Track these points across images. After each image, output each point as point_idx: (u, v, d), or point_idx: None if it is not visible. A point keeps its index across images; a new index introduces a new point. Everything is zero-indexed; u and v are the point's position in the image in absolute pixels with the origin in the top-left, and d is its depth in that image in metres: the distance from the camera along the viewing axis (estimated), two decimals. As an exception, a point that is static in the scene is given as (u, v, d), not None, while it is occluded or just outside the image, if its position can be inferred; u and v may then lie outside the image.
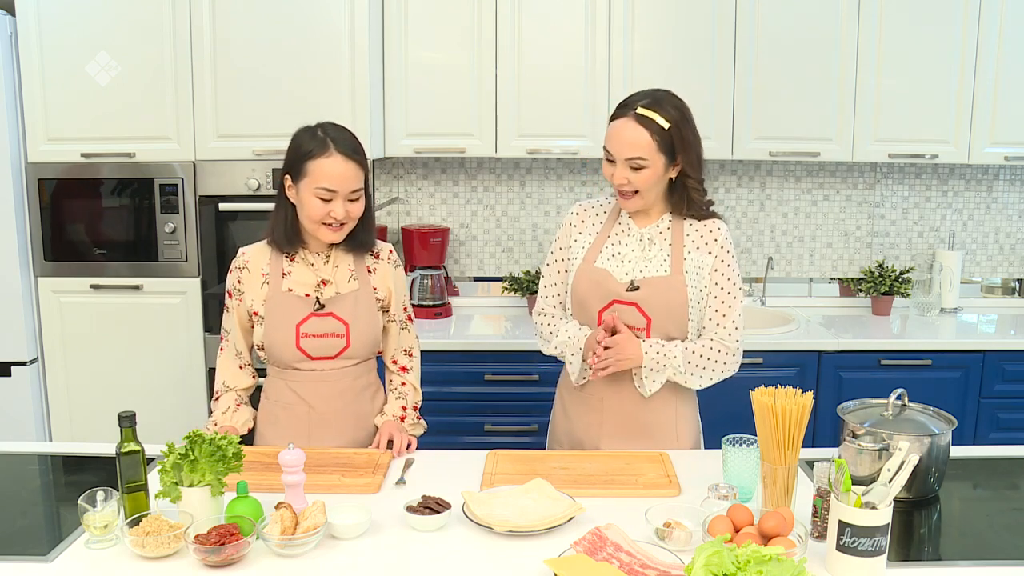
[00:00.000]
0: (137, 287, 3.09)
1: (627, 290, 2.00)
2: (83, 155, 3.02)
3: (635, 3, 3.17)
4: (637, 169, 1.92)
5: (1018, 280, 3.74)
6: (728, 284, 2.01)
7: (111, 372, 3.13)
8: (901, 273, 3.55)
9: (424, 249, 3.47)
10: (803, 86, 3.22)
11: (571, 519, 1.64)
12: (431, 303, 3.46)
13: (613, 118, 1.96)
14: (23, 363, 3.09)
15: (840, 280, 3.71)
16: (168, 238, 3.06)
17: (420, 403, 2.21)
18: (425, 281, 3.47)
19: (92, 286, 3.09)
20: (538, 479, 1.77)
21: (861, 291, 3.63)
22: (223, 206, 3.04)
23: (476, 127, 3.24)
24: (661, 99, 1.93)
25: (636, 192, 1.96)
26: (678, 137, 1.92)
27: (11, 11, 2.96)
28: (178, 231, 3.05)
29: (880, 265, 3.58)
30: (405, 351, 2.21)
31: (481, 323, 3.43)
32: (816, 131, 3.26)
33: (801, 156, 3.31)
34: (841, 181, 3.65)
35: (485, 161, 3.60)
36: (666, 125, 1.90)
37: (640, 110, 1.91)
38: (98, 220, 3.07)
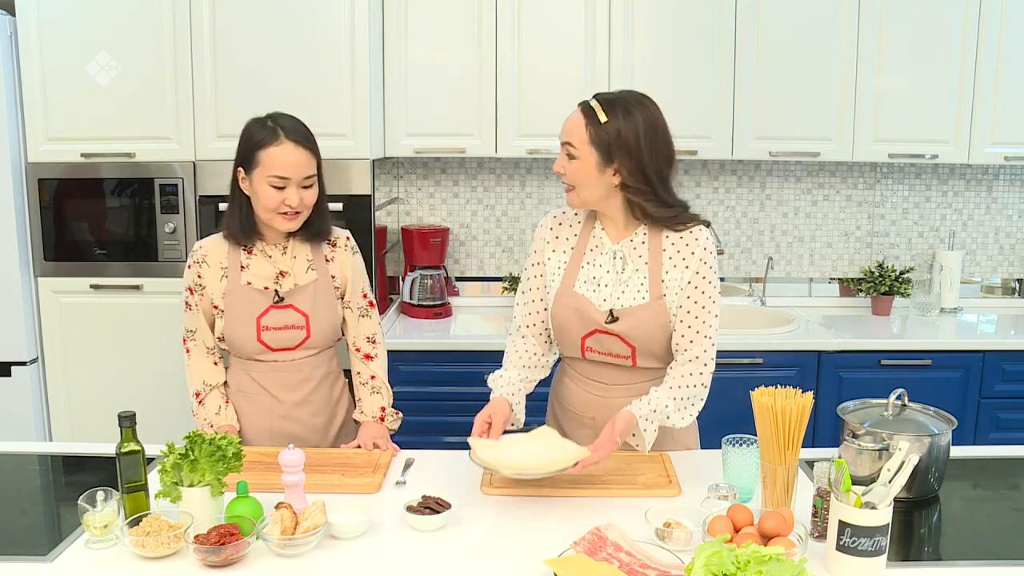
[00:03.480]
0: (137, 287, 3.09)
1: (606, 322, 1.92)
2: (83, 155, 3.01)
3: (635, 3, 3.17)
4: (570, 158, 1.85)
5: (1018, 280, 3.74)
6: (703, 299, 1.89)
7: (111, 372, 3.13)
8: (901, 273, 3.55)
9: (424, 249, 3.47)
10: (803, 86, 3.22)
11: (576, 464, 1.69)
12: (431, 303, 3.46)
13: None
14: (23, 363, 3.09)
15: (840, 280, 3.71)
16: (168, 238, 3.06)
17: (392, 398, 2.21)
18: (425, 281, 3.47)
19: (92, 286, 3.09)
20: (545, 427, 1.82)
21: (861, 291, 3.63)
22: (223, 206, 3.02)
23: (476, 127, 3.24)
24: (620, 99, 1.85)
25: (574, 187, 1.88)
26: (615, 136, 1.81)
27: (11, 11, 2.96)
28: (178, 231, 3.05)
29: (880, 265, 3.58)
30: (368, 338, 2.20)
31: (481, 323, 3.43)
32: (816, 131, 3.26)
33: (801, 156, 3.31)
34: (841, 181, 3.65)
35: (485, 161, 3.60)
36: (602, 119, 1.81)
37: (591, 100, 1.86)
38: (98, 220, 3.07)
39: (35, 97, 2.98)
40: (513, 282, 3.56)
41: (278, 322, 2.04)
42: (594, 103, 1.85)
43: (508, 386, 1.94)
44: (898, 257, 3.70)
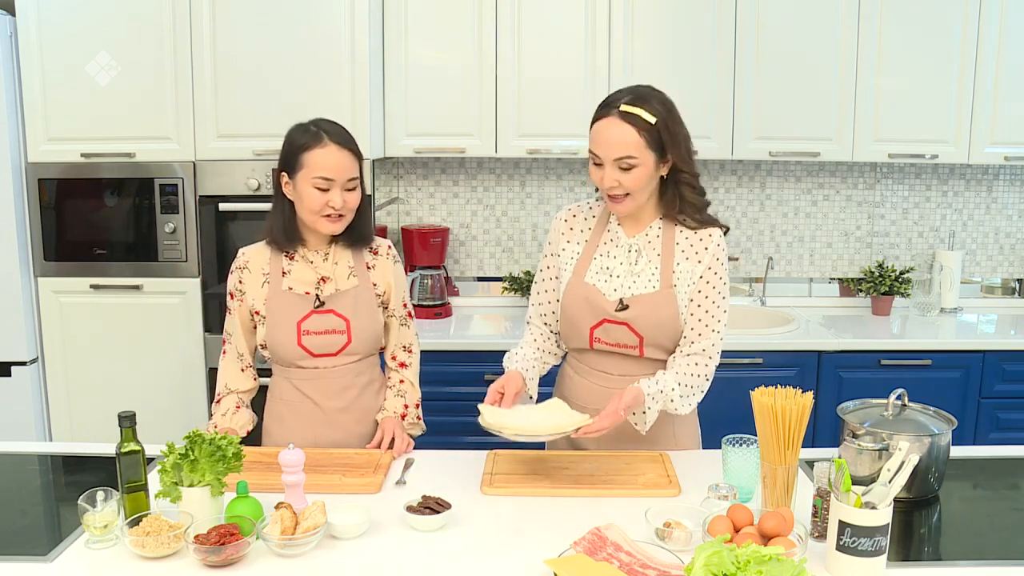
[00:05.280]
0: (137, 287, 3.09)
1: (616, 310, 1.93)
2: (83, 155, 3.02)
3: (635, 3, 3.17)
4: (627, 169, 1.83)
5: (1018, 280, 3.74)
6: (714, 294, 1.92)
7: (111, 372, 3.12)
8: (901, 273, 3.55)
9: (424, 249, 3.47)
10: (803, 86, 3.22)
11: (578, 429, 1.75)
12: (431, 303, 3.46)
13: (596, 119, 1.88)
14: (23, 363, 3.09)
15: (840, 280, 3.71)
16: (168, 238, 3.06)
17: (420, 400, 2.22)
18: (425, 281, 3.47)
19: (92, 286, 3.09)
20: (555, 399, 1.87)
21: (861, 291, 3.63)
22: (223, 206, 3.04)
23: (476, 127, 3.24)
24: (645, 94, 1.85)
25: (627, 195, 1.87)
26: (666, 132, 1.83)
27: (11, 11, 2.96)
28: (178, 231, 3.05)
29: (880, 265, 3.58)
30: (405, 347, 2.22)
31: (481, 323, 3.43)
32: (816, 131, 3.26)
33: (801, 156, 3.31)
34: (841, 181, 3.65)
35: (485, 161, 3.60)
36: (652, 120, 1.81)
37: (624, 107, 1.82)
38: (98, 220, 3.07)
39: (35, 97, 2.98)
40: (513, 282, 3.56)
41: (319, 327, 2.04)
42: (633, 108, 1.82)
43: (523, 362, 1.99)
44: (898, 257, 3.70)
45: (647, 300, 1.93)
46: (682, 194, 1.91)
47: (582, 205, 2.06)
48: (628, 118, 1.82)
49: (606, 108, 1.86)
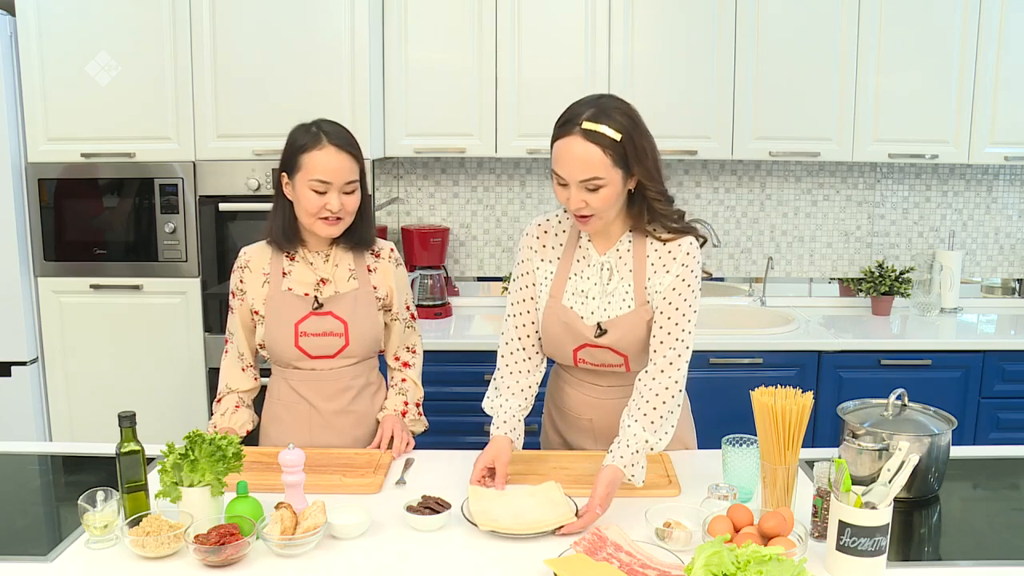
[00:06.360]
0: (137, 287, 3.09)
1: (595, 336, 1.88)
2: (83, 155, 3.02)
3: (635, 3, 3.17)
4: (594, 190, 1.72)
5: (1018, 280, 3.74)
6: (679, 300, 1.82)
7: (111, 372, 3.13)
8: (901, 273, 3.55)
9: (424, 249, 3.47)
10: (803, 86, 3.22)
11: (560, 528, 1.61)
12: (431, 303, 3.46)
13: (556, 137, 1.74)
14: (23, 363, 3.09)
15: (840, 280, 3.71)
16: (168, 238, 3.06)
17: (422, 399, 2.21)
18: (425, 281, 3.47)
19: (92, 286, 3.09)
20: (551, 482, 1.77)
21: (861, 291, 3.63)
22: (223, 206, 3.04)
23: (476, 127, 3.24)
24: (606, 107, 1.71)
25: (594, 214, 1.77)
26: (631, 147, 1.71)
27: (11, 11, 2.96)
28: (178, 231, 3.05)
29: (880, 265, 3.58)
30: (408, 348, 2.22)
31: (481, 323, 3.43)
32: (816, 131, 3.26)
33: (801, 156, 3.31)
34: (841, 181, 3.65)
35: (485, 161, 3.60)
36: (617, 136, 1.69)
37: (586, 124, 1.69)
38: (98, 220, 3.07)
39: (35, 97, 2.98)
40: (513, 282, 3.56)
41: (316, 328, 2.04)
42: (596, 126, 1.70)
43: (510, 420, 1.90)
44: (898, 257, 3.70)
45: (624, 322, 1.87)
46: (651, 206, 1.82)
47: (551, 219, 1.97)
48: (591, 136, 1.69)
49: (567, 126, 1.73)
